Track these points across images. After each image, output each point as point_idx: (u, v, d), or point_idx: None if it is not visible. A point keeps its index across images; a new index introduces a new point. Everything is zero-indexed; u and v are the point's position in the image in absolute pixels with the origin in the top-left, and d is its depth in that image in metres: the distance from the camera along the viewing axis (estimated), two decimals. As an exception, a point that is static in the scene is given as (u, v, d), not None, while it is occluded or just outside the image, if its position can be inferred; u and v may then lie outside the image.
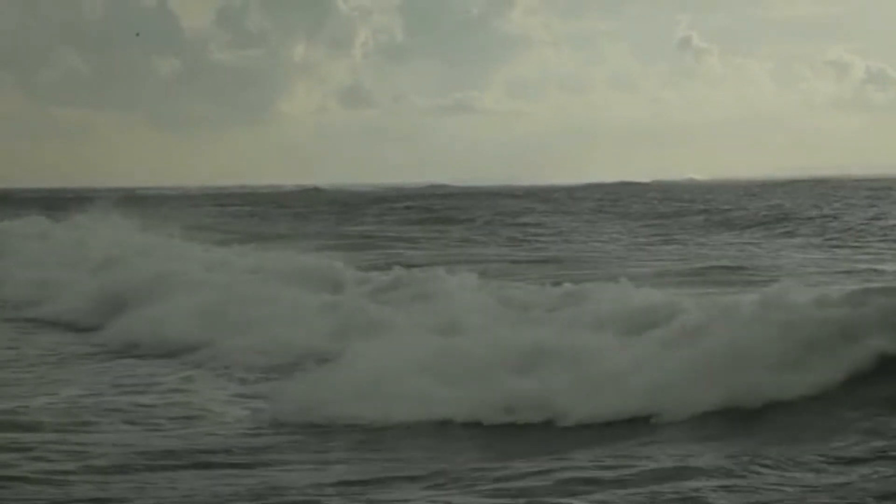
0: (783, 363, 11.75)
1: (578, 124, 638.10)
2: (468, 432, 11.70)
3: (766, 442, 10.14)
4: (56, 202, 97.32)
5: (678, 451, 10.08)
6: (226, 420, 12.53)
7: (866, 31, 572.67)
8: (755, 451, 9.68)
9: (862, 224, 42.68)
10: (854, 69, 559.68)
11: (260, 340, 17.08)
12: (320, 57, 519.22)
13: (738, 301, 14.25)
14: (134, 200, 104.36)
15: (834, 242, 35.49)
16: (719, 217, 51.39)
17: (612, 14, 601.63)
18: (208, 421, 12.46)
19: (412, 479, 9.70)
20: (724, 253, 31.30)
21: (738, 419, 11.13)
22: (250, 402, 13.56)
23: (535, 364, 12.68)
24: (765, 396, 11.50)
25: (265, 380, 14.91)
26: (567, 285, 19.29)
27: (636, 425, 11.36)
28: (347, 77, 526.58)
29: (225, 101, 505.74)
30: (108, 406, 13.29)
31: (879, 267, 26.32)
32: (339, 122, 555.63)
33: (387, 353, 13.61)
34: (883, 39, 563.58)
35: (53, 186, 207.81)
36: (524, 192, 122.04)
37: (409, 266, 23.89)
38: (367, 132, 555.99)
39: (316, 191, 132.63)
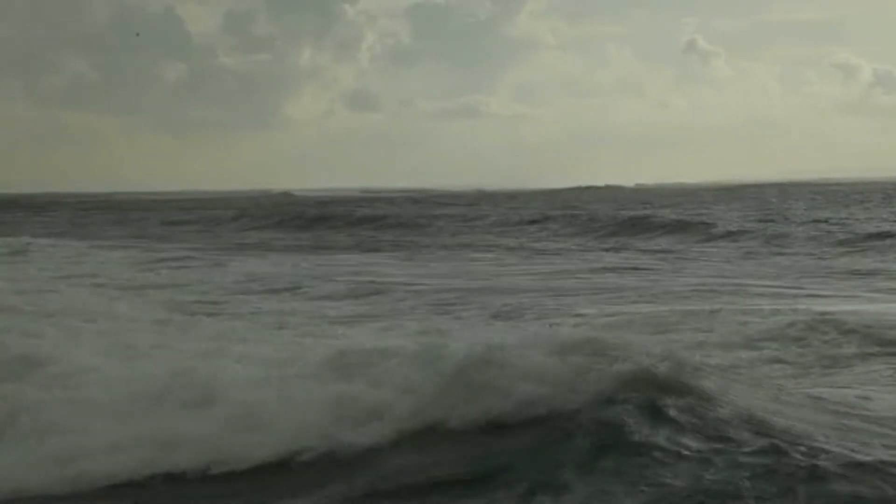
0: None
1: (584, 128, 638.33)
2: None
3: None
4: (54, 206, 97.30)
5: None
6: None
7: (873, 34, 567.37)
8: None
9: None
10: (861, 72, 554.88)
11: None
12: (327, 61, 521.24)
13: None
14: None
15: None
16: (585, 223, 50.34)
17: (618, 18, 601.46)
18: None
19: None
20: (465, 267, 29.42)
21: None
22: None
23: None
24: None
25: None
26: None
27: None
28: (354, 81, 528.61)
29: (232, 105, 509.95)
30: None
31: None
32: (345, 126, 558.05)
33: None
34: (890, 42, 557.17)
35: (59, 191, 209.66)
36: (493, 195, 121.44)
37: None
38: (373, 136, 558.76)
39: (285, 195, 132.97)
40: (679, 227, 43.00)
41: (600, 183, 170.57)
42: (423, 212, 67.03)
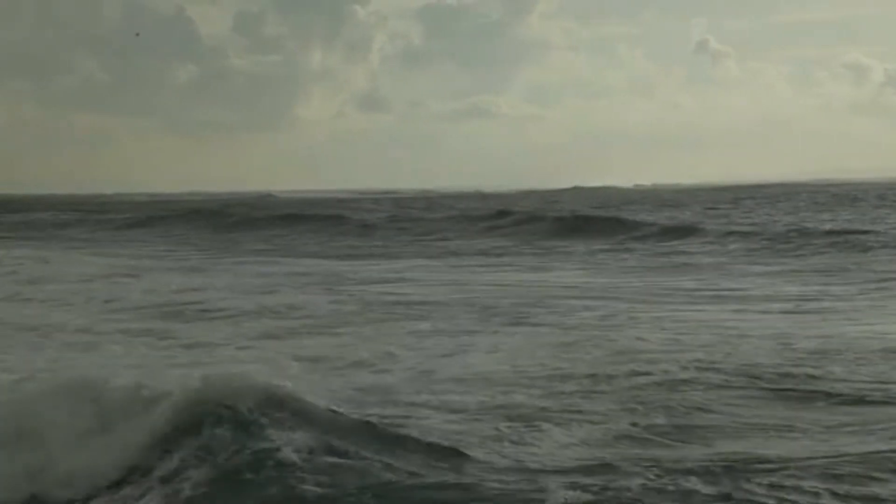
0: None
1: (595, 128, 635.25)
2: None
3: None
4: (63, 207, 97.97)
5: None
6: None
7: (885, 34, 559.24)
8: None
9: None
10: (872, 72, 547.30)
11: None
12: (337, 62, 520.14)
13: None
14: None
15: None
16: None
17: (629, 18, 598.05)
18: None
19: None
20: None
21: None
22: None
23: None
24: None
25: None
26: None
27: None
28: (364, 82, 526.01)
29: (242, 106, 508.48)
30: None
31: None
32: (355, 127, 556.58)
33: None
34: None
35: (70, 192, 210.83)
36: (490, 196, 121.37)
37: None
38: (383, 137, 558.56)
39: (269, 196, 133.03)
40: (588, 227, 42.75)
41: (606, 183, 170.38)
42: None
